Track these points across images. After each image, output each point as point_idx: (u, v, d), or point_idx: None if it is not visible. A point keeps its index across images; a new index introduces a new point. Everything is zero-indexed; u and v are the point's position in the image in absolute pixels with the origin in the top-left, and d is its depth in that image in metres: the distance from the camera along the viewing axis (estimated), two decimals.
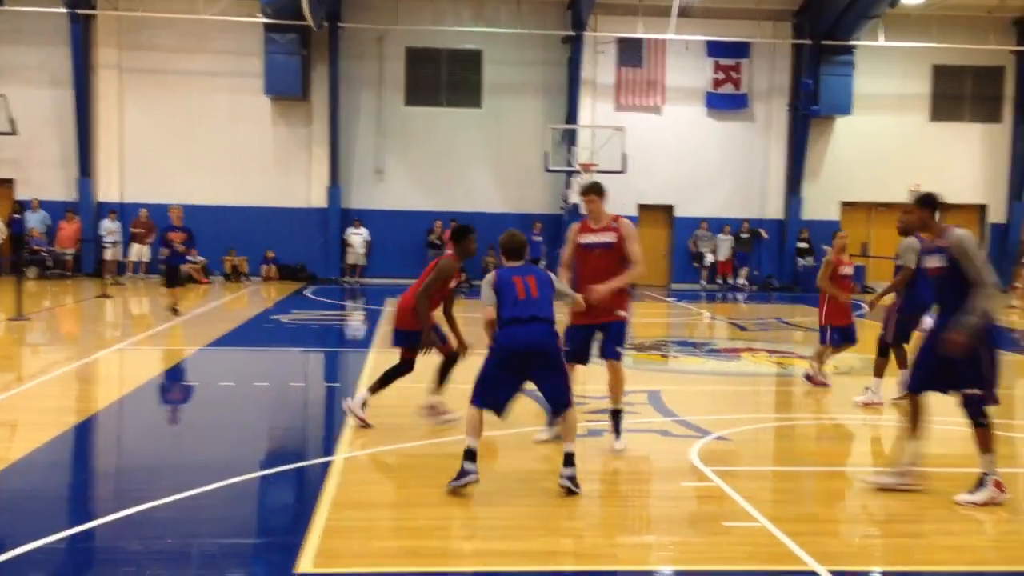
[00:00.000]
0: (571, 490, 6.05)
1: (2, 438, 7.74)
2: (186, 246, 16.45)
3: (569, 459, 6.13)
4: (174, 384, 10.40)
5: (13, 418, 8.42)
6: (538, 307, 6.21)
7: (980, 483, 6.08)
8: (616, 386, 7.38)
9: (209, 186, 25.17)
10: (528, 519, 5.68)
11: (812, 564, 4.92)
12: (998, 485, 6.04)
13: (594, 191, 7.49)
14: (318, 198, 25.67)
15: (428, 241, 25.42)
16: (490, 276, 6.43)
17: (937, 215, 6.31)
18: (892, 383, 9.42)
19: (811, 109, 25.73)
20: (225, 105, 25.28)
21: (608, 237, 7.33)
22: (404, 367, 8.07)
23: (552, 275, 6.54)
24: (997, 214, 27.34)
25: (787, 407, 10.26)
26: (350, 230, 25.40)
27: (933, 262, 6.23)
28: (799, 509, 6.15)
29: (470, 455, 6.06)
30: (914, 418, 6.40)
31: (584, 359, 7.49)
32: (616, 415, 7.44)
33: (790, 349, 14.07)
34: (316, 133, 25.64)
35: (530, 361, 6.16)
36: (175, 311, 15.99)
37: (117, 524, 5.43)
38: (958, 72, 26.94)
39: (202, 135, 25.26)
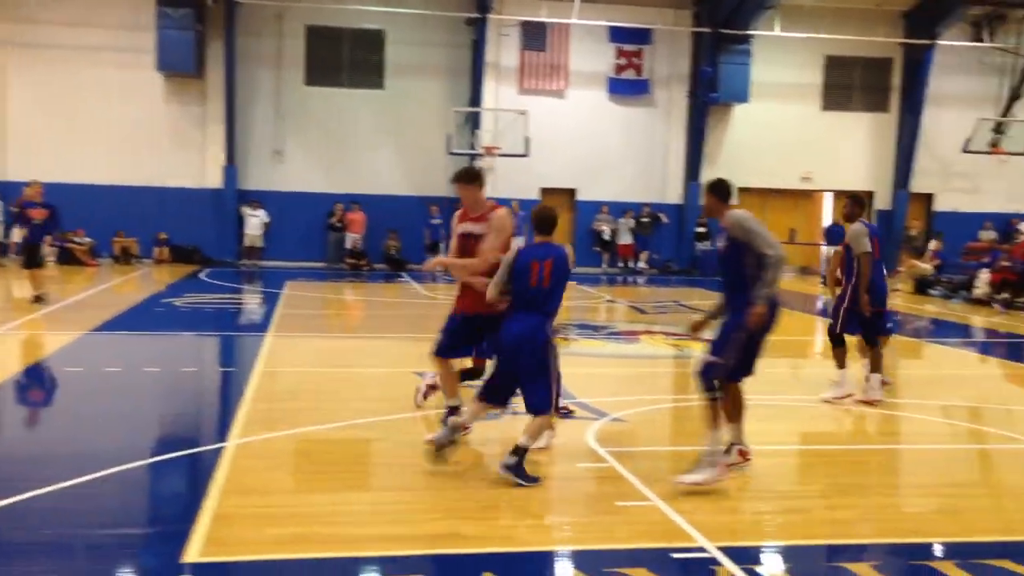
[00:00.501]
0: (512, 479, 5.95)
1: None
2: (48, 224, 15.27)
3: (518, 450, 6.01)
4: (58, 370, 10.00)
5: None
6: (544, 298, 6.18)
7: (701, 462, 6.03)
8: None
9: (98, 164, 24.27)
10: (423, 503, 5.66)
11: (701, 540, 5.04)
12: (721, 465, 6.02)
13: (462, 179, 7.00)
14: (213, 178, 25.00)
15: (328, 224, 25.07)
16: (510, 255, 6.32)
17: (730, 200, 6.39)
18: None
19: (710, 96, 26.23)
20: (116, 81, 24.36)
21: (480, 228, 6.83)
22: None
23: (569, 254, 6.38)
24: (883, 201, 28.38)
25: (683, 388, 10.47)
26: (246, 211, 24.84)
27: (720, 242, 6.43)
28: (691, 488, 6.28)
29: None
30: (735, 402, 6.38)
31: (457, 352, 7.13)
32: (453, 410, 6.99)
33: (688, 332, 14.33)
34: (211, 112, 24.94)
35: (517, 355, 6.13)
36: (39, 299, 14.72)
37: None
38: (849, 63, 27.82)
39: (91, 112, 24.31)
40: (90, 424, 7.65)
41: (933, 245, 23.87)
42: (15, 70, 24.10)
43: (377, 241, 25.08)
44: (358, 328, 15.38)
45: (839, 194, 28.21)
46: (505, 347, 6.19)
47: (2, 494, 5.47)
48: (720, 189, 6.38)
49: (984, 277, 19.66)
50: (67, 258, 23.07)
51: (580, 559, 4.83)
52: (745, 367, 6.22)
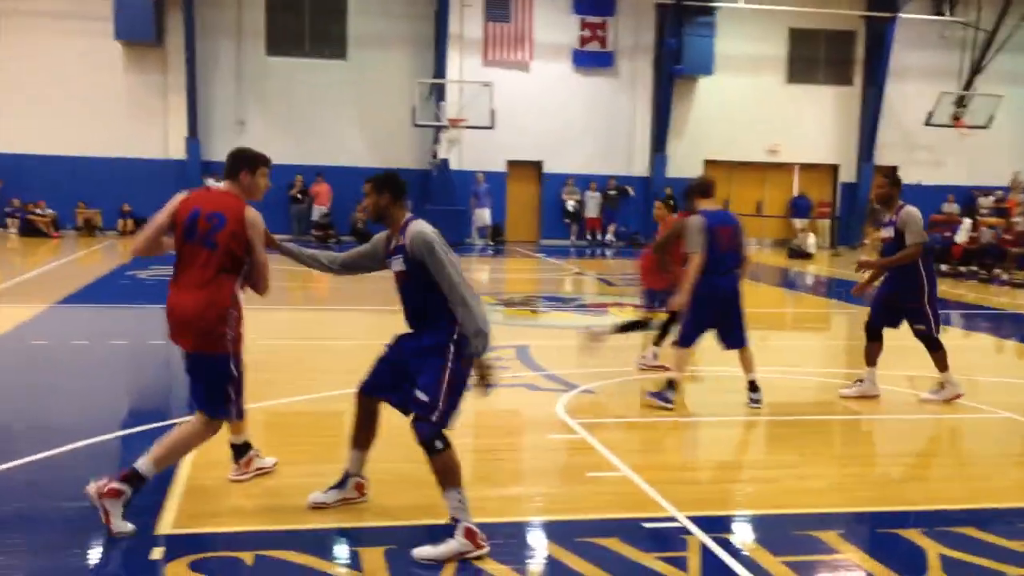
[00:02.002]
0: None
1: None
2: None
3: (752, 385, 7.53)
4: (23, 342, 9.86)
5: None
6: (732, 258, 7.39)
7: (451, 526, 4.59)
8: None
9: (58, 135, 23.85)
10: (394, 475, 5.68)
11: (671, 510, 5.10)
12: (469, 534, 4.50)
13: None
14: (176, 149, 24.66)
15: (290, 196, 24.83)
16: (700, 221, 7.24)
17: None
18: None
19: (674, 69, 26.25)
20: (74, 49, 23.88)
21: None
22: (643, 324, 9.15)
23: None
24: (848, 174, 28.66)
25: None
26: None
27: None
28: (661, 458, 6.36)
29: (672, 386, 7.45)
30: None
31: None
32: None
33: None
34: (172, 81, 24.55)
35: (728, 307, 7.43)
36: None
37: None
38: (813, 35, 27.95)
39: (50, 81, 23.82)
40: (58, 397, 7.57)
41: None
42: None
43: (344, 213, 24.91)
44: (327, 300, 15.32)
45: (804, 167, 28.46)
46: (719, 300, 7.38)
47: None
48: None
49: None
50: (29, 230, 22.71)
51: (552, 530, 4.88)
52: None
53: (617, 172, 27.08)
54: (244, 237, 4.93)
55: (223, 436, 6.34)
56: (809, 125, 28.10)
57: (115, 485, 4.63)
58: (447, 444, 4.52)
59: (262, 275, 5.17)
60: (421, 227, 4.59)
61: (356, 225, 24.84)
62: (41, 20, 23.69)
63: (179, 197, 5.17)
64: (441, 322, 4.56)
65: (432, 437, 4.49)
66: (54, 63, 23.81)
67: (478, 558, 4.44)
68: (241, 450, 5.61)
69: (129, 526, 4.61)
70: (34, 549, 4.48)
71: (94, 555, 4.49)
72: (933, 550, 4.65)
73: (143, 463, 4.75)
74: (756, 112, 27.44)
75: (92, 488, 4.65)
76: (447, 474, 4.53)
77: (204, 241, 4.89)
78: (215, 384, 5.02)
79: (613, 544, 4.61)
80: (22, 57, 23.69)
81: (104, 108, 24.18)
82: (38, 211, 23.20)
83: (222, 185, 5.18)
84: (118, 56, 24.21)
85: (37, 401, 7.50)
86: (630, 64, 27.08)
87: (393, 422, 6.90)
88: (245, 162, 5.14)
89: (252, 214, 4.98)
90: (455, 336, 4.54)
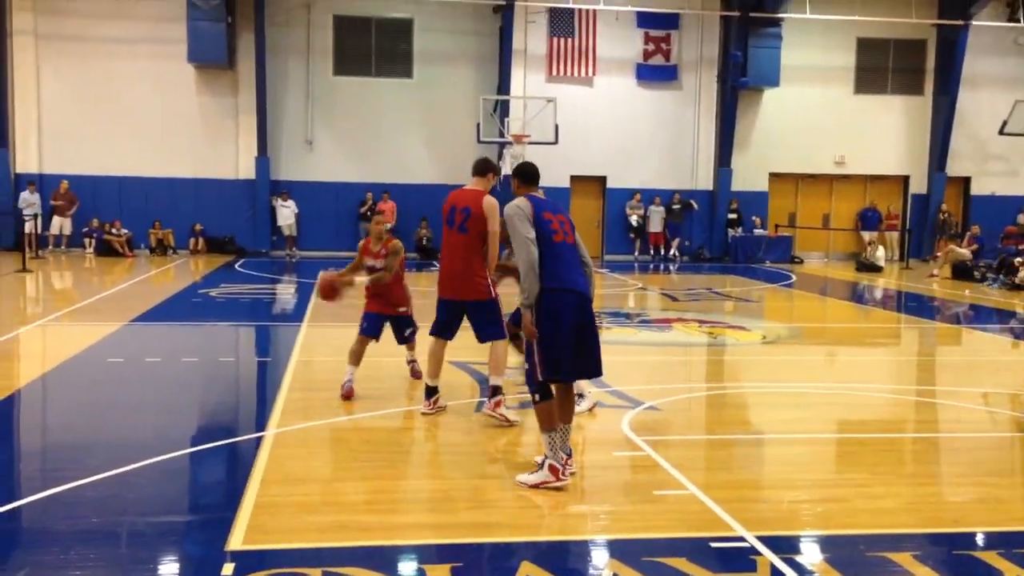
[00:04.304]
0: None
1: None
2: None
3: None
4: (99, 360, 10.13)
5: None
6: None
7: (540, 464, 5.81)
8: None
9: (133, 157, 24.52)
10: (460, 492, 5.70)
11: (740, 530, 5.03)
12: (553, 470, 5.69)
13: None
14: (246, 169, 25.18)
15: (360, 213, 25.15)
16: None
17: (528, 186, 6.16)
18: None
19: (739, 81, 26.01)
20: (148, 73, 24.56)
21: None
22: None
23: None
24: (919, 185, 28.04)
25: (717, 376, 10.45)
26: (277, 202, 24.99)
27: None
28: (728, 476, 6.27)
29: None
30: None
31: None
32: (495, 391, 7.32)
33: (720, 319, 14.30)
34: (243, 102, 25.09)
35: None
36: None
37: (42, 503, 5.31)
38: (881, 45, 27.46)
39: (124, 104, 24.53)
40: (133, 414, 7.75)
41: (973, 230, 23.57)
42: (48, 63, 24.34)
43: (409, 230, 25.14)
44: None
45: (873, 178, 27.96)
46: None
47: (49, 484, 5.58)
48: (521, 174, 6.25)
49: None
50: (105, 249, 23.39)
51: (618, 548, 4.84)
52: None
53: (681, 186, 26.89)
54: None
55: (289, 453, 6.45)
56: (878, 136, 27.58)
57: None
58: (540, 399, 5.71)
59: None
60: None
61: (422, 242, 25.06)
62: (118, 46, 24.41)
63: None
64: None
65: (531, 391, 5.78)
66: (130, 87, 24.52)
67: (557, 489, 5.57)
68: (432, 391, 7.50)
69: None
70: (109, 563, 4.58)
71: (167, 570, 4.58)
72: (1010, 572, 4.51)
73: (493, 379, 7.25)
74: (823, 123, 27.03)
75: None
76: (539, 420, 5.76)
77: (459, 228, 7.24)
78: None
79: (681, 564, 4.56)
80: (100, 82, 24.43)
81: (178, 130, 24.80)
82: (114, 231, 23.88)
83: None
84: (191, 79, 24.84)
85: (113, 418, 7.69)
86: (694, 77, 26.91)
87: (454, 440, 6.95)
88: (490, 168, 7.51)
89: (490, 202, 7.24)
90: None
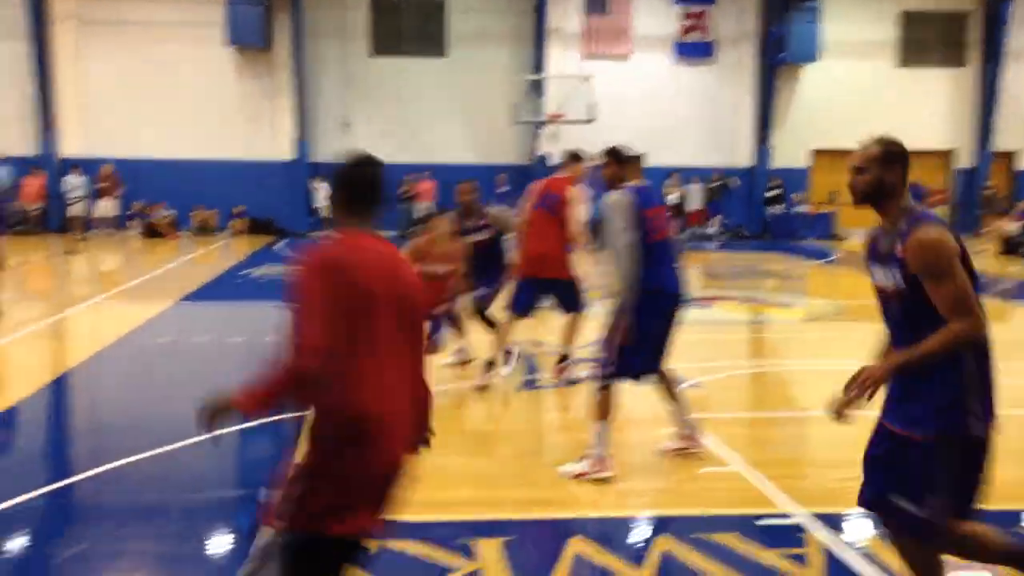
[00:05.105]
0: None
1: None
2: None
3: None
4: (149, 340, 10.30)
5: None
6: None
7: (593, 456, 5.61)
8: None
9: (174, 139, 24.79)
10: (510, 469, 5.75)
11: (786, 506, 5.04)
12: (600, 461, 5.53)
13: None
14: (285, 151, 25.37)
15: (398, 195, 25.20)
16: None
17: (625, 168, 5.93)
18: None
19: (778, 57, 25.71)
20: (187, 56, 24.79)
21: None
22: None
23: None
24: (964, 160, 27.59)
25: (760, 354, 10.41)
26: (314, 184, 25.14)
27: None
28: (774, 454, 6.27)
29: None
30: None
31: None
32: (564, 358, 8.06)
33: (763, 296, 14.22)
34: (280, 84, 25.26)
35: None
36: None
37: (97, 479, 5.44)
38: (924, 18, 26.98)
39: (165, 87, 24.77)
40: (182, 392, 7.86)
41: (1020, 205, 23.17)
42: (90, 47, 24.65)
43: (447, 210, 25.13)
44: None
45: (916, 153, 27.51)
46: None
47: (102, 460, 5.71)
48: (616, 156, 6.07)
49: None
50: (150, 231, 23.75)
51: (666, 525, 4.87)
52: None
53: (720, 164, 26.68)
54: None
55: None
56: (921, 110, 27.11)
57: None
58: (603, 387, 5.57)
59: None
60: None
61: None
62: (157, 29, 24.65)
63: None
64: None
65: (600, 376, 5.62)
66: (170, 71, 24.76)
67: (600, 480, 5.43)
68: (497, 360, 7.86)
69: None
70: (161, 536, 4.71)
71: (215, 544, 4.69)
72: None
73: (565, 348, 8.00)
74: (864, 98, 26.61)
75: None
76: (594, 407, 5.62)
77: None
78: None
79: (730, 541, 4.58)
80: (141, 65, 24.69)
81: (217, 112, 25.03)
82: (158, 213, 24.19)
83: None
84: (229, 62, 25.03)
85: (164, 396, 7.83)
86: (733, 53, 26.63)
87: (501, 416, 6.99)
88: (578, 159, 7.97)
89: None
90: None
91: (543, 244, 7.75)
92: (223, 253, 20.52)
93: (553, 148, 25.44)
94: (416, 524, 4.81)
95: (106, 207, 24.13)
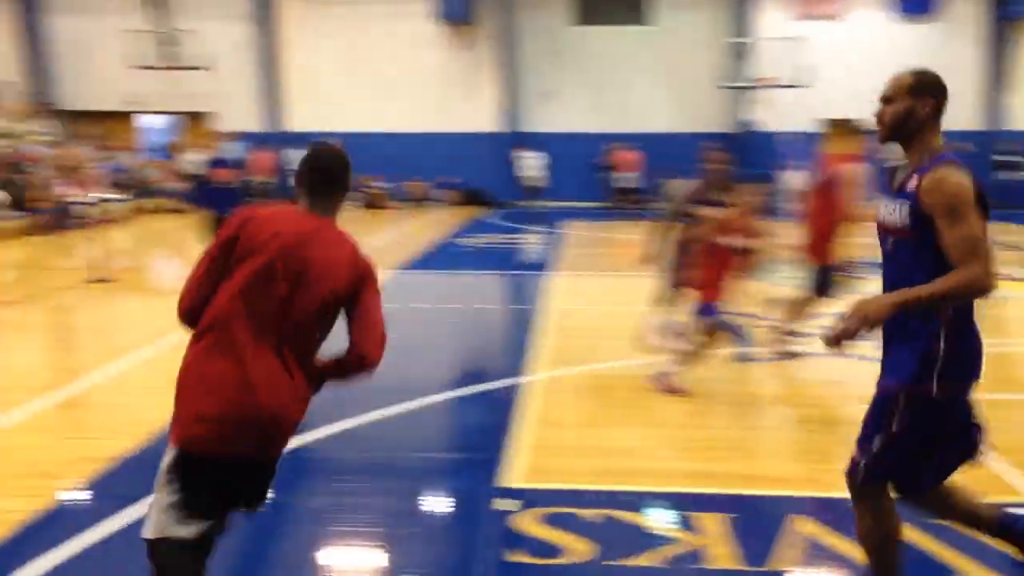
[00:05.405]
0: None
1: None
2: (238, 190, 11.31)
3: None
4: None
5: None
6: None
7: None
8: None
9: (387, 113, 25.81)
10: (723, 442, 5.69)
11: None
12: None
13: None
14: (491, 122, 25.89)
15: (597, 164, 25.18)
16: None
17: None
18: None
19: (1010, 9, 23.68)
20: (397, 32, 25.68)
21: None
22: None
23: None
24: None
25: (998, 332, 9.74)
26: (520, 154, 25.51)
27: None
28: (1013, 438, 5.88)
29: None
30: None
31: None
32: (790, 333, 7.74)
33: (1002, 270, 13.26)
34: (485, 57, 25.75)
35: None
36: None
37: (335, 437, 5.79)
38: None
39: (377, 62, 25.78)
40: (406, 357, 8.24)
41: None
42: (311, 26, 25.97)
43: (651, 180, 24.95)
44: (640, 267, 15.49)
45: None
46: None
47: (335, 419, 6.06)
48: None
49: None
50: (368, 203, 24.96)
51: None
52: None
53: (947, 127, 24.87)
54: None
55: (549, 398, 6.67)
56: None
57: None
58: None
59: None
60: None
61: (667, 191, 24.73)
62: (370, 7, 25.68)
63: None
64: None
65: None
66: (382, 47, 25.76)
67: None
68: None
69: None
70: (388, 492, 4.97)
71: (442, 503, 4.94)
72: None
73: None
74: None
75: None
76: None
77: None
78: None
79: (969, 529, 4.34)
80: (355, 43, 25.83)
81: (426, 86, 25.84)
82: (375, 185, 25.35)
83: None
84: (437, 36, 25.74)
85: (389, 361, 8.18)
86: (960, 7, 24.77)
87: (717, 389, 6.89)
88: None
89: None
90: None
91: (816, 224, 7.41)
92: (436, 223, 21.24)
93: (760, 114, 24.66)
94: (636, 493, 4.86)
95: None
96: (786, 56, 23.21)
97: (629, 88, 25.73)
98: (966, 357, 3.21)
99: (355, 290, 3.09)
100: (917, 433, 3.22)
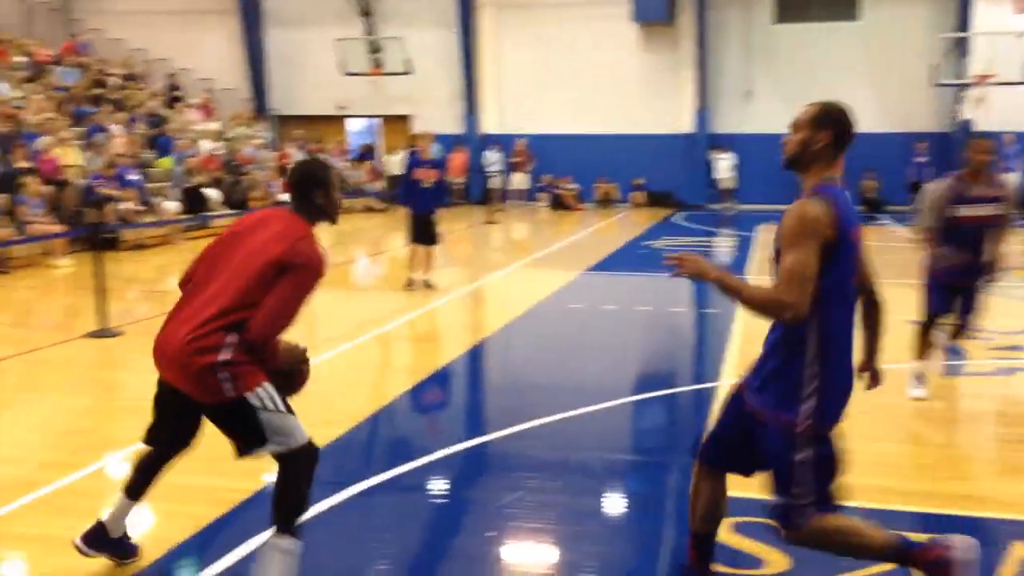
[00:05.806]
0: None
1: (426, 352, 8.70)
2: (438, 190, 11.68)
3: None
4: (562, 307, 10.89)
5: (431, 332, 9.57)
6: None
7: None
8: None
9: (579, 115, 25.94)
10: (935, 459, 5.38)
11: None
12: None
13: None
14: (685, 123, 25.53)
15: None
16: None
17: None
18: None
19: None
20: (594, 34, 25.73)
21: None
22: None
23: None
24: None
25: None
26: (714, 155, 25.00)
27: None
28: None
29: None
30: None
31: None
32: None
33: None
34: (683, 57, 25.41)
35: None
36: (411, 283, 11.41)
37: (521, 435, 5.85)
38: None
39: (572, 65, 25.93)
40: (594, 358, 8.26)
41: None
42: (507, 31, 26.45)
43: (854, 181, 23.90)
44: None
45: None
46: None
47: (520, 420, 6.11)
48: None
49: None
50: (556, 203, 25.20)
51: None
52: None
53: None
54: None
55: None
56: None
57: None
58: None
59: None
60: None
61: (866, 193, 23.68)
62: (566, 9, 25.87)
63: None
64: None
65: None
66: (577, 49, 25.88)
67: None
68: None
69: None
70: (575, 491, 4.97)
71: (617, 504, 4.91)
72: None
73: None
74: None
75: None
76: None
77: None
78: None
79: None
80: (550, 46, 26.08)
81: (621, 88, 25.76)
82: (564, 186, 25.56)
83: None
84: (634, 37, 25.62)
85: (577, 361, 8.24)
86: None
87: (915, 405, 6.50)
88: None
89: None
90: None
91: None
92: (624, 225, 21.17)
93: (977, 113, 23.15)
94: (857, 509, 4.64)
95: (519, 180, 25.96)
96: (1007, 51, 21.65)
97: (832, 86, 24.52)
98: (831, 392, 3.29)
99: (279, 272, 3.53)
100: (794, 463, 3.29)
